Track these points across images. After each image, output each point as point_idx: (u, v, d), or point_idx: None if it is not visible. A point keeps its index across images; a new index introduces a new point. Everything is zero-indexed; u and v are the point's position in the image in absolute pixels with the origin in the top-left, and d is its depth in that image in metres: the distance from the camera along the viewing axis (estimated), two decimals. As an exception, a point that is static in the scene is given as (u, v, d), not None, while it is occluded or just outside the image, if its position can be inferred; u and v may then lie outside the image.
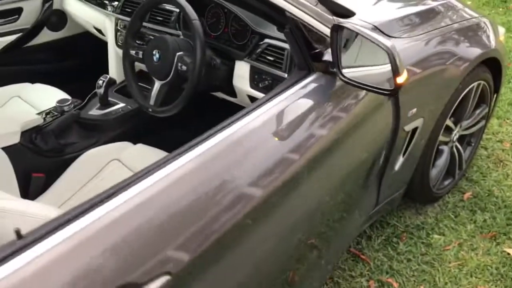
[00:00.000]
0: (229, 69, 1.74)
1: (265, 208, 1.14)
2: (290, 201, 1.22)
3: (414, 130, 1.86)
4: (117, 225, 0.86)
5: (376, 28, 1.68)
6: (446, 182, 2.35)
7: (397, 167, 1.89)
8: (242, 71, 1.70)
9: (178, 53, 1.62)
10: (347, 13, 1.74)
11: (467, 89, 2.09)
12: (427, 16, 1.93)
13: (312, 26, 1.37)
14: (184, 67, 1.61)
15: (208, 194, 1.01)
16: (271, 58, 1.63)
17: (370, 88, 1.31)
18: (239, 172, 1.10)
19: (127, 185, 0.92)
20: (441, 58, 1.85)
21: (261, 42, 1.69)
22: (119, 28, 2.11)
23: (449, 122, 2.11)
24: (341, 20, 1.38)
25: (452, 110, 2.06)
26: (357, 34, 1.26)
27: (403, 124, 1.76)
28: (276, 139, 1.20)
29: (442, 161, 2.25)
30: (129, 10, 2.08)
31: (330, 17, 1.56)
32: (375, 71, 1.25)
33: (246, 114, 1.18)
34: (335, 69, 1.34)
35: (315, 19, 1.39)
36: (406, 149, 1.88)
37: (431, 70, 1.80)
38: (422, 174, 2.12)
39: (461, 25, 2.03)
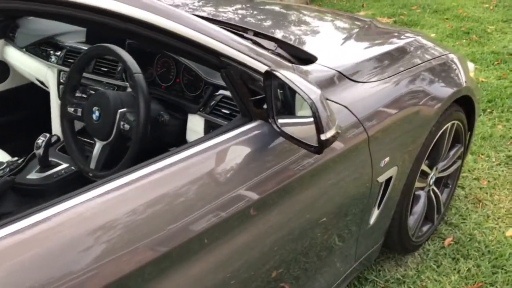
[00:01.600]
0: (181, 123, 1.56)
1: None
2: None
3: (388, 180, 1.71)
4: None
5: (340, 74, 1.53)
6: (425, 229, 2.20)
7: (372, 220, 1.72)
8: (195, 125, 1.53)
9: (120, 110, 1.43)
10: (309, 58, 1.60)
11: (441, 131, 1.96)
12: (396, 56, 1.80)
13: (255, 71, 1.21)
14: (127, 126, 1.43)
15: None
16: (227, 111, 1.46)
17: (297, 142, 1.17)
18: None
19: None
20: (413, 101, 1.72)
21: (216, 94, 1.52)
22: (61, 80, 1.92)
23: (424, 166, 1.97)
24: (274, 67, 1.23)
25: (427, 154, 1.92)
26: (284, 83, 1.10)
27: (376, 175, 1.60)
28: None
29: (419, 207, 2.09)
30: (71, 61, 1.90)
31: (289, 64, 1.40)
32: (311, 123, 1.09)
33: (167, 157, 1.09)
34: (269, 119, 1.20)
35: (260, 62, 1.23)
36: (381, 201, 1.72)
37: (403, 114, 1.66)
38: (399, 223, 1.95)
39: (431, 64, 1.91)
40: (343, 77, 1.53)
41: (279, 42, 1.72)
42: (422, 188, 2.10)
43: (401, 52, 1.84)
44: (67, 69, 1.86)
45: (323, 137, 1.06)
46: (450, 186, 2.32)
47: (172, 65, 1.61)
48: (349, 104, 1.48)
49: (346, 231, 1.61)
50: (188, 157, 1.12)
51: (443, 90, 1.88)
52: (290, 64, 1.39)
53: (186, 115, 1.55)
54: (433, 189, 2.16)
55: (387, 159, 1.63)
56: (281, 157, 1.24)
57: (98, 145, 1.51)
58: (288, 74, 1.10)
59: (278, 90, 1.15)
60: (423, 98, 1.76)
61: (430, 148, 1.92)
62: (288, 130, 1.17)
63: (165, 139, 1.55)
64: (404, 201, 1.90)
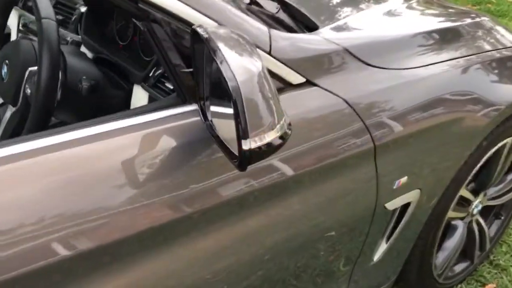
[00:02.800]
0: (127, 95, 1.19)
1: None
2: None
3: (406, 206, 1.25)
4: None
5: (347, 52, 1.09)
6: (460, 268, 1.71)
7: (377, 256, 1.28)
8: (138, 99, 1.14)
9: (30, 68, 1.07)
10: (311, 25, 1.18)
11: (496, 148, 1.47)
12: (440, 39, 1.32)
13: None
14: (29, 90, 1.08)
15: None
16: (171, 87, 1.06)
17: (221, 146, 0.78)
18: None
19: None
20: (455, 104, 1.24)
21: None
22: (20, 27, 1.59)
23: (465, 191, 1.48)
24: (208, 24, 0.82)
25: (471, 176, 1.44)
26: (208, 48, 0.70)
27: (384, 199, 1.16)
28: None
29: (453, 241, 1.60)
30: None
31: (264, 28, 0.99)
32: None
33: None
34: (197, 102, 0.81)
35: (208, 17, 0.84)
36: (392, 232, 1.28)
37: (436, 121, 1.19)
38: (421, 260, 1.49)
39: (492, 56, 1.41)
40: (350, 56, 1.09)
41: (286, 6, 1.30)
42: (462, 218, 1.61)
43: (451, 34, 1.36)
44: (29, 14, 1.53)
45: (244, 145, 0.65)
46: (503, 218, 1.80)
47: (131, 19, 1.23)
48: (351, 98, 1.04)
49: (334, 268, 1.19)
50: (71, 143, 0.76)
51: (505, 94, 1.38)
52: (265, 28, 0.97)
53: (132, 85, 1.17)
54: (477, 220, 1.67)
55: (403, 179, 1.18)
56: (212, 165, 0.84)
57: (9, 111, 1.17)
58: (216, 34, 0.69)
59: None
60: (471, 102, 1.28)
61: (476, 169, 1.43)
62: (217, 124, 0.77)
63: (106, 112, 1.18)
64: (430, 233, 1.44)
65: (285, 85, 0.97)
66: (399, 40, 1.24)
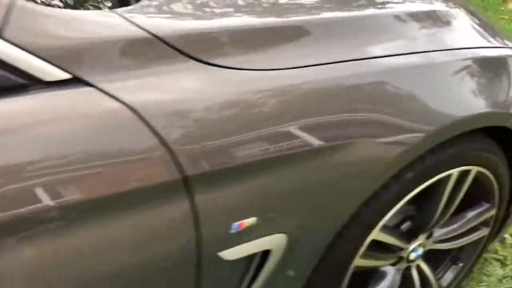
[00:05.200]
0: None
1: None
2: None
3: (266, 254, 0.93)
4: None
5: (159, 41, 0.77)
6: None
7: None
8: None
9: None
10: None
11: (432, 181, 1.10)
12: (345, 31, 0.97)
13: None
14: None
15: None
16: None
17: None
18: None
19: None
20: (348, 122, 0.90)
21: None
22: None
23: (382, 236, 1.12)
24: None
25: (388, 215, 1.08)
26: None
27: (214, 248, 0.84)
28: None
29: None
30: None
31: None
32: None
33: None
34: None
35: None
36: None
37: (311, 145, 0.85)
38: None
39: (437, 59, 1.04)
40: (164, 47, 0.77)
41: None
42: (393, 264, 1.26)
43: (362, 24, 0.99)
44: None
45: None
46: (462, 264, 1.42)
47: None
48: (149, 108, 0.73)
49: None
50: None
51: (441, 113, 1.00)
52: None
53: None
54: (418, 266, 1.31)
55: (249, 220, 0.85)
56: None
57: None
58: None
59: None
60: (372, 123, 0.92)
61: (397, 208, 1.08)
62: None
63: None
64: (329, 284, 1.11)
65: (31, 82, 0.68)
66: (260, 30, 0.90)
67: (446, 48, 1.06)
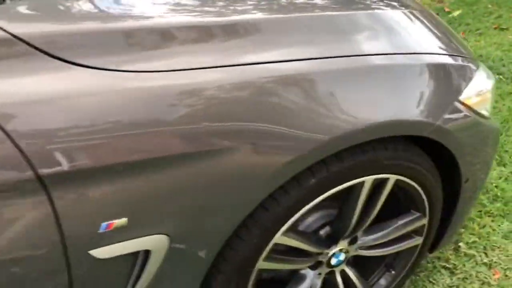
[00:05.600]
0: None
1: None
2: None
3: (146, 255, 0.93)
4: None
5: (17, 41, 0.78)
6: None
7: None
8: None
9: None
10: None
11: (341, 187, 1.08)
12: (240, 31, 0.95)
13: None
14: None
15: None
16: None
17: None
18: None
19: None
20: (232, 128, 0.88)
21: None
22: None
23: (287, 240, 1.10)
24: None
25: (293, 219, 1.06)
26: None
27: (84, 246, 0.85)
28: None
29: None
30: None
31: None
32: None
33: None
34: None
35: None
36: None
37: (184, 149, 0.85)
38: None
39: (350, 64, 1.01)
40: (22, 46, 0.78)
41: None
42: (313, 267, 1.24)
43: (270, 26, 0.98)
44: None
45: None
46: (394, 273, 1.39)
47: None
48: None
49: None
50: None
51: (346, 120, 0.98)
52: None
53: None
54: (342, 271, 1.29)
55: (119, 221, 0.86)
56: None
57: None
58: None
59: None
60: (256, 131, 0.90)
61: (301, 213, 1.06)
62: None
63: None
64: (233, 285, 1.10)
65: None
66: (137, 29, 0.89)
67: (359, 54, 1.03)
